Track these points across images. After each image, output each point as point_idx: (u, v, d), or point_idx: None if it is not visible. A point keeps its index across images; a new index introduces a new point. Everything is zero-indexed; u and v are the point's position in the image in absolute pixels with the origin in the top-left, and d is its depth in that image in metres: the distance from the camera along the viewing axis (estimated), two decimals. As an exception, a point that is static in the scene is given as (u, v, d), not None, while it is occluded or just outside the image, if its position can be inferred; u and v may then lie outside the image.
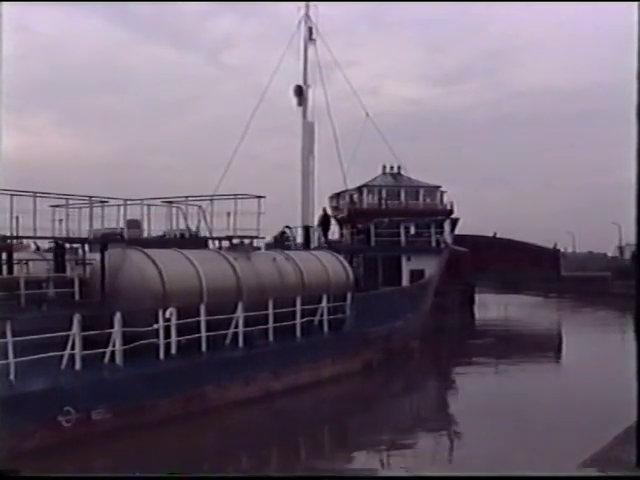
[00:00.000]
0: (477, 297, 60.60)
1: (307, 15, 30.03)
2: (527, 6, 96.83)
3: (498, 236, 63.14)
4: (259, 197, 22.20)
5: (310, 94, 29.76)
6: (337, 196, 63.22)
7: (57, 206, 22.58)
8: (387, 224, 32.53)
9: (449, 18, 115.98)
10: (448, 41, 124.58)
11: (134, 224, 23.21)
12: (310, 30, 30.07)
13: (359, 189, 60.38)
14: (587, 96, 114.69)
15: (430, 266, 30.34)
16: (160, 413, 16.76)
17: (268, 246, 30.63)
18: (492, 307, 61.13)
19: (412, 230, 32.05)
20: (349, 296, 24.32)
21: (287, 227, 32.10)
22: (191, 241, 23.08)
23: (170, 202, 23.50)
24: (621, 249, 79.62)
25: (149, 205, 23.38)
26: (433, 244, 31.26)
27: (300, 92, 29.44)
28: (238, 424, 18.17)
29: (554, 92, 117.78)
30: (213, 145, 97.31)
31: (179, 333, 18.36)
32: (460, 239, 56.40)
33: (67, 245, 22.93)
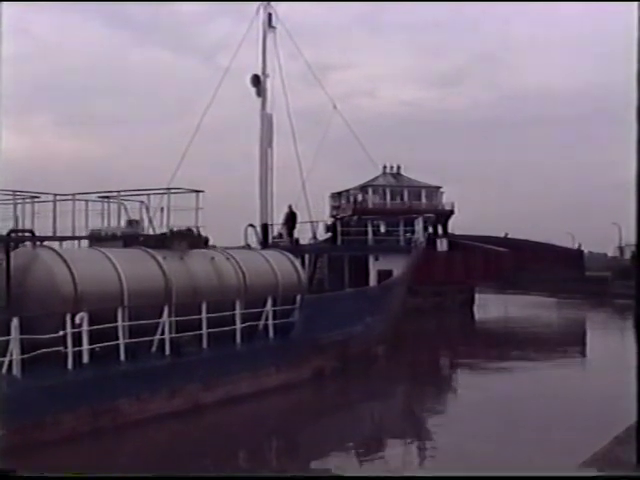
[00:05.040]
0: (477, 297, 59.33)
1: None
2: (523, 7, 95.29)
3: (510, 236, 62.50)
4: (196, 191, 20.53)
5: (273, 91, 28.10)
6: (338, 195, 62.66)
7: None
8: (355, 222, 30.83)
9: (445, 20, 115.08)
10: (444, 43, 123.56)
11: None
12: (270, 17, 28.29)
13: (363, 188, 59.93)
14: (586, 96, 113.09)
15: (399, 266, 28.48)
16: (63, 430, 15.02)
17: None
18: (496, 308, 59.71)
19: (382, 229, 30.30)
20: (299, 299, 22.51)
21: (251, 225, 30.42)
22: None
23: (107, 197, 21.86)
24: (621, 249, 78.30)
25: (87, 200, 21.99)
26: (402, 243, 29.42)
27: (257, 82, 27.67)
28: (156, 441, 16.40)
29: (552, 93, 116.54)
30: (212, 146, 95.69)
31: (94, 340, 16.67)
32: (466, 239, 56.29)
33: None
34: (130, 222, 21.81)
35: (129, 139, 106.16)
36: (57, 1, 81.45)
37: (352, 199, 60.68)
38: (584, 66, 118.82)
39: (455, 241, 55.93)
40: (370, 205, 59.09)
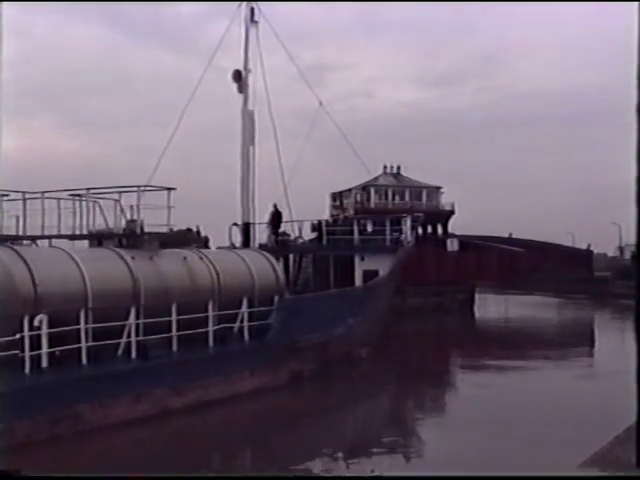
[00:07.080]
0: (478, 297, 58.99)
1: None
2: (523, 8, 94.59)
3: (514, 236, 62.10)
4: (168, 189, 19.86)
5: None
6: (339, 195, 62.26)
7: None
8: (342, 222, 30.15)
9: (444, 21, 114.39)
10: (443, 43, 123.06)
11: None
12: (252, 11, 27.64)
13: (365, 188, 59.66)
14: (586, 97, 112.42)
15: (385, 266, 27.78)
16: (16, 438, 14.38)
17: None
18: (497, 308, 59.27)
19: (369, 228, 29.60)
20: (276, 300, 21.83)
21: (235, 224, 29.78)
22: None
23: (78, 195, 21.22)
24: (621, 249, 77.72)
25: (59, 199, 21.39)
26: (388, 243, 28.70)
27: (239, 77, 27.01)
28: (118, 448, 15.69)
29: (552, 93, 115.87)
30: (211, 146, 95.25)
31: (56, 343, 16.04)
32: (470, 239, 55.76)
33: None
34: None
35: (129, 139, 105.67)
36: (57, 1, 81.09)
37: (354, 199, 60.25)
38: (584, 66, 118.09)
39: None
40: (372, 205, 58.70)
